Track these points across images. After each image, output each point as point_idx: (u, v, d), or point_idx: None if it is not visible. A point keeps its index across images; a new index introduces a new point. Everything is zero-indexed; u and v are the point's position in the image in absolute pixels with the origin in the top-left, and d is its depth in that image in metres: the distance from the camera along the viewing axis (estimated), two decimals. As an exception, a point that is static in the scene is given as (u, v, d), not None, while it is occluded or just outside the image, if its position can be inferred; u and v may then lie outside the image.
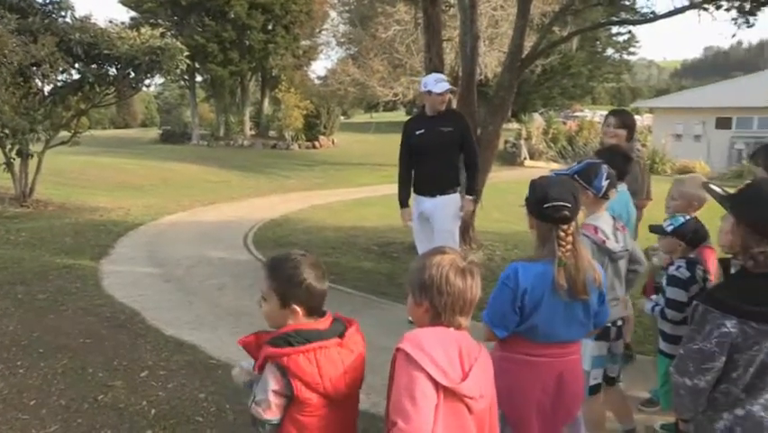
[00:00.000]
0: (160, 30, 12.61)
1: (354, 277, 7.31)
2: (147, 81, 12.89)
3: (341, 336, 2.09)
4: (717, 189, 2.25)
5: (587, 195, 3.01)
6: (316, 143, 30.05)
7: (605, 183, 3.01)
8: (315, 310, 2.13)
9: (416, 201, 5.67)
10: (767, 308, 1.95)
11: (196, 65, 28.46)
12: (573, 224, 2.48)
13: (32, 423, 3.85)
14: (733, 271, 2.40)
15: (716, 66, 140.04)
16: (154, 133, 35.73)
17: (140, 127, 50.97)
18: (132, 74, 12.04)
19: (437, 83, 5.42)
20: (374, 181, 18.89)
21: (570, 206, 2.44)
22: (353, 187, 17.97)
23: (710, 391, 2.06)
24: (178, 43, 12.36)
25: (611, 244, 3.03)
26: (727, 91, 30.98)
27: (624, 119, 4.60)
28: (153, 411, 4.00)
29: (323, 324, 2.11)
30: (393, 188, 6.11)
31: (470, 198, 5.69)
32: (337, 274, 7.11)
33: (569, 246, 2.44)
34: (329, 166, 23.40)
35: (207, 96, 34.97)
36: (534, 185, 2.55)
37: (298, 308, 2.09)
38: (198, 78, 32.53)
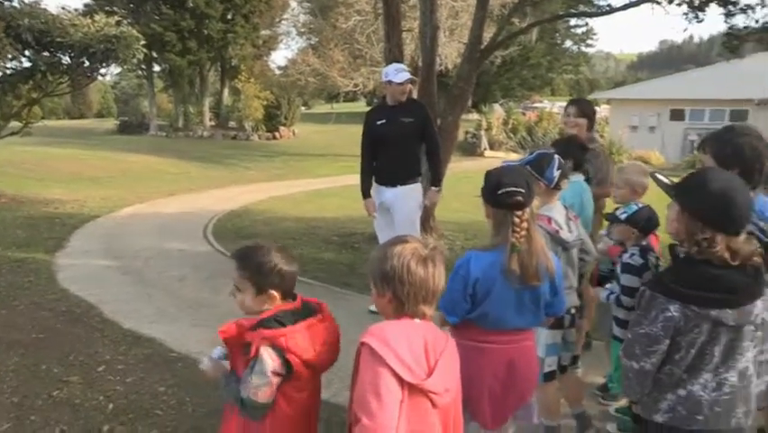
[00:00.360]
0: (116, 17, 12.25)
1: (315, 268, 7.29)
2: (102, 70, 12.59)
3: (316, 313, 2.22)
4: (663, 179, 2.30)
5: (539, 185, 3.03)
6: (277, 134, 29.84)
7: (556, 174, 3.05)
8: (289, 293, 2.24)
9: (378, 191, 5.67)
10: (708, 293, 2.03)
11: (154, 54, 27.99)
12: (528, 210, 2.51)
13: (-17, 421, 3.76)
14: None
15: (670, 59, 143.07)
16: (111, 123, 34.99)
17: (96, 118, 49.88)
18: (87, 63, 11.74)
19: (398, 73, 5.41)
20: (335, 172, 18.85)
21: (523, 191, 2.46)
22: (314, 177, 17.90)
23: (655, 373, 2.13)
24: (135, 32, 12.08)
25: (564, 234, 3.08)
26: (680, 84, 31.72)
27: (583, 108, 4.63)
28: (111, 406, 3.94)
29: (297, 305, 2.23)
30: (354, 179, 6.10)
31: (436, 189, 5.69)
32: (298, 265, 7.07)
33: (523, 232, 2.47)
34: (289, 157, 23.26)
35: (166, 86, 34.37)
36: (489, 174, 2.59)
37: (275, 293, 2.19)
38: (156, 68, 31.95)
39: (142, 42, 12.14)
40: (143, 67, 30.16)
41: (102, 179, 15.48)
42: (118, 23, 12.01)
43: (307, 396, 2.22)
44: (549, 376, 3.28)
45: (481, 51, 8.49)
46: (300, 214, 11.28)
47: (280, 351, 2.09)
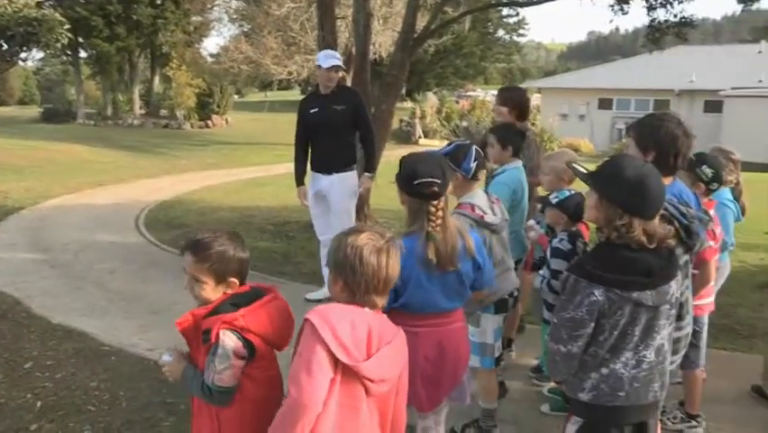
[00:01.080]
0: (36, -1, 11.78)
1: (251, 257, 7.21)
2: (23, 55, 12.11)
3: (267, 293, 2.27)
4: (579, 168, 2.38)
5: (456, 177, 3.04)
6: (209, 123, 29.31)
7: (473, 165, 3.06)
8: (245, 278, 2.28)
9: (313, 179, 5.67)
10: (629, 277, 2.11)
11: (80, 39, 26.93)
12: (443, 199, 2.55)
13: None
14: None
15: (598, 49, 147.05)
16: (34, 111, 33.54)
17: (17, 105, 47.71)
18: (5, 46, 11.25)
19: (326, 59, 5.42)
20: (268, 161, 18.67)
21: (439, 182, 2.49)
22: (248, 166, 17.68)
23: (581, 356, 2.20)
24: (58, 15, 11.65)
25: (489, 218, 3.13)
26: (608, 74, 32.79)
27: (504, 96, 4.58)
28: (39, 404, 3.84)
29: (247, 289, 2.27)
30: (288, 168, 6.09)
31: (369, 175, 5.73)
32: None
33: (438, 221, 2.52)
34: (223, 146, 22.88)
35: (93, 72, 33.19)
36: (404, 162, 2.61)
37: (235, 280, 2.22)
38: (83, 54, 30.81)
39: (67, 27, 11.74)
40: (68, 52, 29.04)
41: (26, 170, 14.86)
42: (39, 5, 11.55)
43: (274, 375, 2.25)
44: (498, 361, 3.37)
45: (415, 40, 8.56)
46: (234, 203, 11.15)
47: (239, 334, 2.10)
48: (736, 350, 4.81)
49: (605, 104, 30.10)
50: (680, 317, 2.56)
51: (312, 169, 5.70)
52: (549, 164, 3.80)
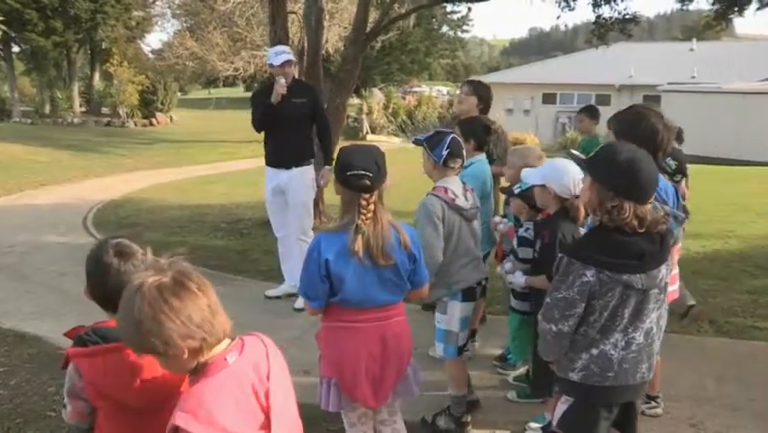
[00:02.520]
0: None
1: (206, 255, 7.14)
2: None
3: None
4: (578, 154, 2.48)
5: (431, 161, 3.21)
6: (153, 120, 28.68)
7: (444, 153, 3.16)
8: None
9: (271, 174, 5.59)
10: (620, 259, 2.18)
11: (12, 33, 25.88)
12: (376, 193, 2.55)
13: None
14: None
15: (539, 45, 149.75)
16: (-36, 109, 32.19)
17: (-55, 103, 45.64)
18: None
19: (277, 55, 5.34)
20: (216, 158, 18.41)
21: (371, 175, 2.50)
22: (196, 164, 17.37)
23: (572, 336, 2.28)
24: (-8, 8, 11.13)
25: (461, 202, 3.21)
26: (551, 69, 33.49)
27: (476, 88, 4.68)
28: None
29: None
30: (236, 165, 6.08)
31: (329, 168, 5.63)
32: (187, 253, 6.91)
33: (369, 215, 2.52)
34: (168, 144, 22.41)
35: (28, 68, 32.00)
36: (340, 153, 2.63)
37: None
38: (15, 49, 29.65)
39: (0, 19, 11.21)
40: (0, 47, 27.94)
41: (-40, 171, 14.27)
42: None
43: None
44: (461, 350, 3.42)
45: (367, 35, 8.59)
46: (185, 201, 10.96)
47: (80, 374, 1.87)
48: (685, 333, 5.00)
49: (549, 98, 30.78)
50: None
51: (268, 164, 5.62)
52: (511, 159, 3.89)
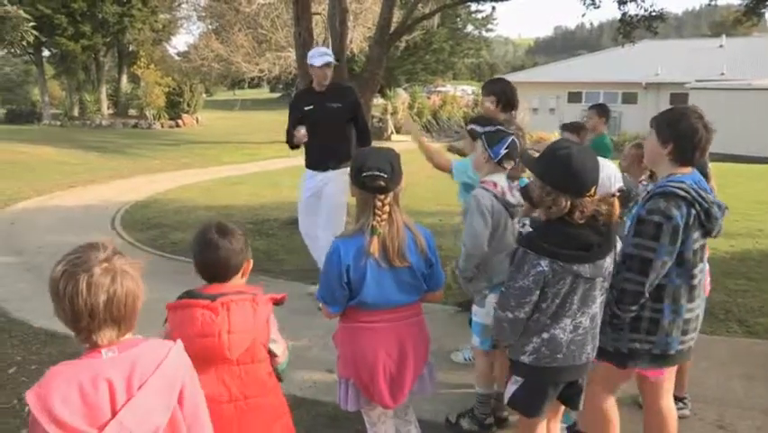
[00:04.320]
0: (-4, -4, 11.42)
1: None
2: (-13, 54, 11.77)
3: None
4: (530, 153, 2.66)
5: (485, 156, 3.17)
6: (180, 122, 28.98)
7: (503, 151, 3.13)
8: (209, 279, 2.35)
9: (308, 176, 5.64)
10: (570, 251, 2.35)
11: (43, 38, 26.37)
12: (391, 194, 2.56)
13: None
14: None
15: (564, 44, 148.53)
16: (-3, 112, 32.85)
17: (-22, 107, 46.59)
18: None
19: (318, 56, 5.37)
20: (241, 160, 18.56)
21: (386, 176, 2.51)
22: (221, 165, 17.52)
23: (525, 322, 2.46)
24: (22, 12, 11.32)
25: (509, 198, 3.20)
26: (577, 68, 33.22)
27: (489, 88, 4.51)
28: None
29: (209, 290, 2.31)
30: (261, 166, 6.12)
31: None
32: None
33: (384, 216, 2.53)
34: (194, 145, 22.64)
35: (57, 72, 32.55)
36: (356, 154, 2.67)
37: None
38: (46, 53, 30.18)
39: (32, 24, 11.42)
40: (31, 51, 28.45)
41: (-8, 172, 14.57)
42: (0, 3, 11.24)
43: (206, 391, 2.10)
44: (495, 345, 3.38)
45: (391, 35, 8.59)
46: (210, 202, 11.06)
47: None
48: (715, 333, 4.93)
49: (574, 97, 30.48)
50: (692, 298, 2.66)
51: (307, 166, 5.68)
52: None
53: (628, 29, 9.94)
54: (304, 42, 8.32)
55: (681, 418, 3.57)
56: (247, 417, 2.24)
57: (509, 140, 3.16)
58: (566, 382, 2.56)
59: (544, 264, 2.34)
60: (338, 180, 5.50)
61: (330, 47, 8.81)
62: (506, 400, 2.64)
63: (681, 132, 2.64)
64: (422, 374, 2.75)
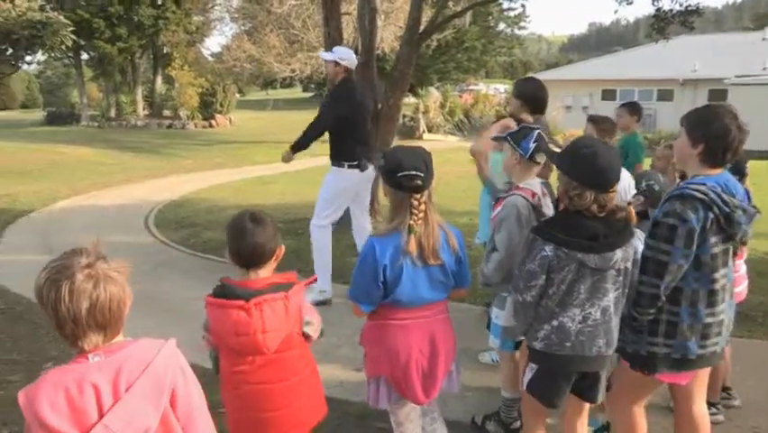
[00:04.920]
0: (39, 2, 11.69)
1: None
2: (28, 58, 12.09)
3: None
4: (552, 149, 2.76)
5: (515, 156, 3.10)
6: (213, 122, 29.27)
7: (532, 145, 3.07)
8: (245, 265, 2.44)
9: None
10: (575, 238, 2.45)
11: (82, 42, 26.92)
12: (426, 192, 2.57)
13: (-75, 425, 3.64)
14: None
15: (599, 41, 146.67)
16: (38, 114, 33.61)
17: (21, 109, 47.80)
18: (11, 50, 11.23)
19: (329, 53, 5.72)
20: (273, 159, 18.50)
21: (422, 175, 2.52)
22: (253, 165, 17.67)
23: (536, 307, 2.56)
24: (62, 17, 11.60)
25: (545, 209, 3.15)
26: (611, 65, 32.73)
27: (517, 88, 4.37)
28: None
29: (254, 285, 2.40)
30: (292, 165, 6.19)
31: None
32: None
33: (421, 215, 2.54)
34: (227, 145, 22.88)
35: (95, 74, 33.22)
36: (388, 154, 2.64)
37: (233, 262, 2.43)
38: (84, 56, 30.81)
39: (71, 29, 11.69)
40: (71, 55, 29.07)
41: (33, 173, 14.91)
42: (42, 9, 11.51)
43: (248, 375, 2.36)
44: (520, 344, 3.34)
45: (420, 34, 8.55)
46: (242, 201, 11.16)
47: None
48: (752, 337, 4.81)
49: (608, 95, 30.02)
50: (714, 303, 2.59)
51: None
52: None
53: (662, 25, 9.72)
54: (333, 42, 8.33)
55: (714, 424, 3.49)
56: (281, 396, 2.40)
57: (535, 133, 3.10)
58: (578, 374, 2.61)
59: (549, 250, 2.46)
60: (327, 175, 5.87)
61: (359, 47, 8.83)
62: (523, 386, 2.73)
63: (714, 132, 2.57)
64: (451, 371, 2.77)
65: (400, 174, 2.51)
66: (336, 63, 5.64)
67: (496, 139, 3.33)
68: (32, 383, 1.61)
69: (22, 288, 6.07)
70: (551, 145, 2.62)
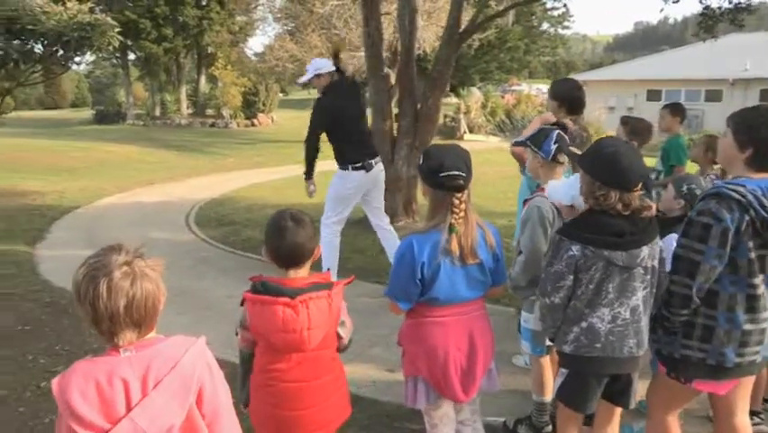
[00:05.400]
0: (89, 4, 11.98)
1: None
2: (77, 59, 12.40)
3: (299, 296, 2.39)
4: (574, 150, 2.81)
5: (538, 159, 3.12)
6: (255, 121, 29.60)
7: (553, 147, 3.07)
8: (285, 264, 2.44)
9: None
10: (601, 237, 2.44)
11: (129, 42, 27.54)
12: (466, 192, 2.57)
13: (-29, 413, 3.75)
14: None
15: (645, 40, 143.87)
16: (87, 113, 34.49)
17: (70, 108, 49.13)
18: (61, 51, 11.53)
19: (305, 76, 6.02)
20: (315, 158, 18.75)
21: (464, 175, 2.53)
22: (294, 164, 17.72)
23: (564, 309, 2.53)
24: (109, 19, 11.87)
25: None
26: (657, 64, 32.01)
27: (553, 90, 4.31)
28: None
29: (295, 283, 2.40)
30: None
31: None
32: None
33: (462, 214, 2.54)
34: (268, 144, 23.12)
35: (141, 74, 33.96)
36: (429, 154, 2.63)
37: (269, 259, 2.47)
38: (131, 56, 31.53)
39: (118, 30, 11.93)
40: (118, 55, 29.76)
41: (80, 170, 15.30)
42: (91, 11, 11.79)
43: (284, 373, 2.37)
44: (549, 350, 3.33)
45: (460, 34, 8.50)
46: (282, 201, 11.23)
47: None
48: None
49: (653, 95, 29.37)
50: (754, 309, 2.51)
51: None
52: None
53: (711, 23, 9.45)
54: (373, 43, 8.35)
55: (755, 433, 3.39)
56: (313, 394, 2.42)
57: (555, 134, 3.10)
58: (609, 376, 2.57)
59: (576, 249, 2.45)
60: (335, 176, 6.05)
61: (399, 47, 8.82)
62: (555, 393, 2.70)
63: (764, 137, 2.48)
64: (490, 369, 2.76)
65: (442, 174, 2.51)
66: (318, 76, 5.79)
67: (518, 144, 3.31)
68: (64, 372, 1.64)
69: (66, 282, 6.22)
70: (572, 148, 2.58)
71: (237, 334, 2.49)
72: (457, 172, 2.51)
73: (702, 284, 2.47)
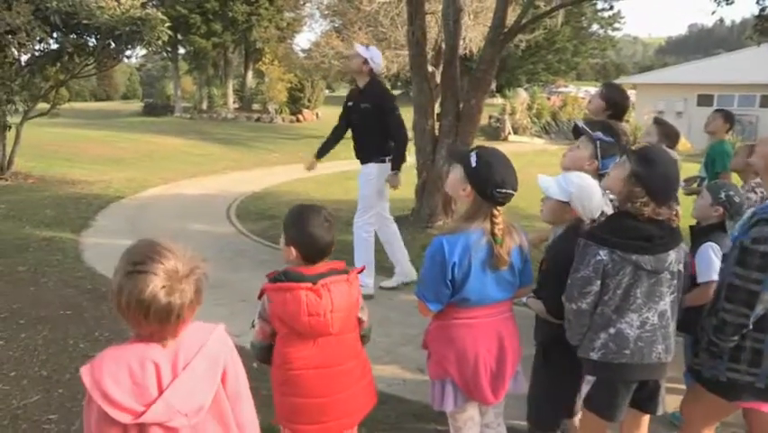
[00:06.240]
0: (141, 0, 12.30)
1: (337, 250, 7.30)
2: (128, 52, 12.68)
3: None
4: (584, 127, 2.82)
5: (592, 163, 3.15)
6: (300, 117, 29.82)
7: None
8: (309, 257, 2.48)
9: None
10: (629, 241, 2.41)
11: (179, 36, 28.04)
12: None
13: (12, 393, 3.88)
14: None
15: (699, 43, 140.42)
16: (136, 105, 35.27)
17: (121, 100, 50.31)
18: (113, 45, 11.83)
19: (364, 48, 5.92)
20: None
21: (515, 192, 2.52)
22: (337, 160, 17.75)
23: (591, 315, 2.50)
24: (160, 14, 12.13)
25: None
26: (709, 68, 31.14)
27: (606, 91, 4.28)
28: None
29: (314, 270, 2.44)
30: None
31: (393, 173, 5.88)
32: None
33: (501, 225, 2.52)
34: (313, 139, 23.21)
35: (190, 68, 34.53)
36: (485, 161, 2.52)
37: (294, 250, 2.47)
38: (181, 50, 32.07)
39: (167, 24, 12.17)
40: (168, 49, 30.26)
41: (127, 161, 15.66)
42: (143, 6, 12.06)
43: (308, 360, 2.40)
44: None
45: (504, 34, 8.42)
46: (323, 196, 11.32)
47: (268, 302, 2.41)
48: None
49: (705, 100, 28.59)
50: None
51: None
52: None
53: (767, 26, 9.17)
54: (417, 42, 8.34)
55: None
56: (339, 380, 2.45)
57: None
58: (638, 382, 2.54)
59: (603, 254, 2.42)
60: (363, 173, 6.03)
61: (444, 46, 8.78)
62: (582, 402, 2.67)
63: None
64: (518, 371, 2.75)
65: (499, 190, 2.48)
66: (366, 62, 5.78)
67: (579, 129, 3.28)
68: (93, 360, 1.69)
69: (108, 270, 6.30)
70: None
71: (253, 326, 2.53)
72: (513, 192, 2.50)
73: (760, 312, 2.41)
